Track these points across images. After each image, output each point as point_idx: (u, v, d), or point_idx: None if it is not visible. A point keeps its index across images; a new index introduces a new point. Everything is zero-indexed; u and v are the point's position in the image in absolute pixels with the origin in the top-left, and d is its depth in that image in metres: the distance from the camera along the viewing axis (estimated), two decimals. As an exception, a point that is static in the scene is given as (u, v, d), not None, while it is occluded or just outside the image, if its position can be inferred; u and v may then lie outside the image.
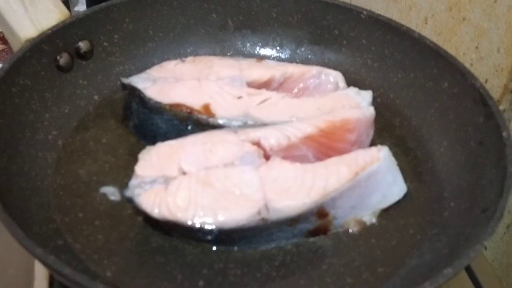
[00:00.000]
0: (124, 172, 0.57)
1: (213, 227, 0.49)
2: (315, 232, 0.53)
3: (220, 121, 0.58)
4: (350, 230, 0.54)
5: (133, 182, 0.52)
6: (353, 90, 0.63)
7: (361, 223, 0.54)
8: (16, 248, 0.43)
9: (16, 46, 0.64)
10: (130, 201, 0.51)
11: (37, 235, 0.46)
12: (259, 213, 0.49)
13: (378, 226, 0.55)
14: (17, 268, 0.57)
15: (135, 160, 0.54)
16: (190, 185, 0.51)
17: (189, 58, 0.67)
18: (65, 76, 0.65)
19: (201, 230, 0.49)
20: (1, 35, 0.91)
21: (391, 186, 0.56)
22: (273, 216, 0.50)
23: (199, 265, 0.50)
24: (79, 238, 0.51)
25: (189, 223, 0.49)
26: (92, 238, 0.51)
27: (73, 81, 0.66)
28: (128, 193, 0.52)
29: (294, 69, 0.67)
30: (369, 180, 0.53)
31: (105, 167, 0.59)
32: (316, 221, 0.52)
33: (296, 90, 0.67)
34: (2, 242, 0.57)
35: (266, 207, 0.49)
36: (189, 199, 0.50)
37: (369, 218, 0.55)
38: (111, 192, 0.55)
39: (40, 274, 0.56)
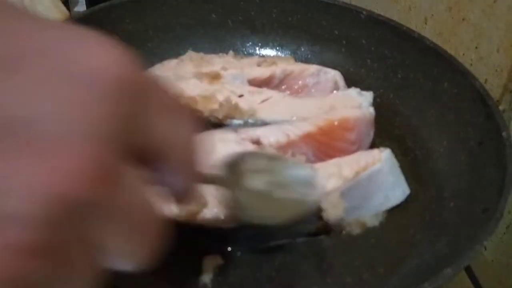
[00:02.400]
0: (124, 172, 0.57)
1: (214, 226, 0.49)
2: (316, 233, 0.53)
3: (222, 120, 0.58)
4: (352, 233, 0.54)
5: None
6: (354, 91, 0.63)
7: (363, 225, 0.54)
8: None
9: (16, 46, 0.64)
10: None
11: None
12: (259, 212, 0.49)
13: (378, 226, 0.55)
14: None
15: (135, 160, 0.54)
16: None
17: (190, 55, 0.67)
18: (65, 76, 0.65)
19: (202, 229, 0.49)
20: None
21: (394, 188, 0.56)
22: (273, 215, 0.50)
23: (199, 265, 0.50)
24: (79, 238, 0.51)
25: (190, 222, 0.49)
26: (92, 238, 0.51)
27: (73, 81, 0.65)
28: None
29: (294, 67, 0.67)
30: (370, 181, 0.53)
31: (105, 167, 0.59)
32: (317, 221, 0.52)
33: (296, 87, 0.67)
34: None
35: (267, 206, 0.49)
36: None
37: (371, 221, 0.55)
38: (111, 192, 0.55)
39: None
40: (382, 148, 0.56)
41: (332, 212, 0.50)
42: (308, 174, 0.47)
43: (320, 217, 0.51)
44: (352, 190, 0.52)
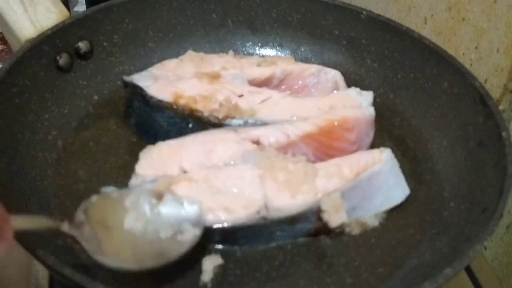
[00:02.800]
0: (124, 172, 0.57)
1: (214, 226, 0.49)
2: (316, 233, 0.53)
3: (222, 119, 0.58)
4: (352, 233, 0.54)
5: (134, 181, 0.52)
6: (354, 91, 0.63)
7: (363, 225, 0.54)
8: (16, 248, 0.43)
9: (16, 46, 0.64)
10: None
11: (37, 235, 0.46)
12: (258, 212, 0.49)
13: (378, 226, 0.55)
14: (17, 268, 0.57)
15: (135, 160, 0.54)
16: (191, 184, 0.51)
17: (190, 54, 0.67)
18: (65, 76, 0.65)
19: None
20: (1, 35, 0.91)
21: (394, 188, 0.56)
22: (272, 215, 0.50)
23: (199, 265, 0.50)
24: (79, 238, 0.51)
25: None
26: (92, 238, 0.51)
27: (73, 81, 0.66)
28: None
29: (294, 67, 0.67)
30: (370, 181, 0.53)
31: (105, 167, 0.59)
32: (317, 221, 0.52)
33: (296, 87, 0.67)
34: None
35: (266, 206, 0.49)
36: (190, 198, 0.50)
37: (371, 221, 0.54)
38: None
39: (40, 274, 0.56)
40: (382, 148, 0.56)
41: (334, 218, 0.50)
42: (191, 212, 0.48)
43: (320, 217, 0.51)
44: (352, 190, 0.52)
